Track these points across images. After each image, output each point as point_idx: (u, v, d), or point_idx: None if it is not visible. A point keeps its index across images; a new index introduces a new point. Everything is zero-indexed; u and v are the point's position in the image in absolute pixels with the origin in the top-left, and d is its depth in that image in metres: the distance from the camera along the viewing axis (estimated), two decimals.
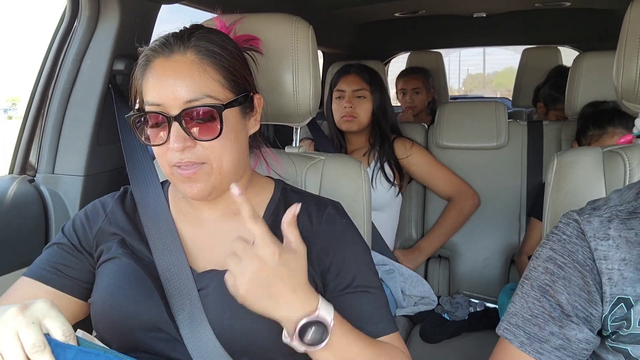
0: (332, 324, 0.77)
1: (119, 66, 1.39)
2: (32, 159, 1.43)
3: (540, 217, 1.96)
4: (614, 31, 1.13)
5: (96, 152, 1.41)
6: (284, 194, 1.01)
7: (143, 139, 0.90)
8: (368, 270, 0.94)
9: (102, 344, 0.85)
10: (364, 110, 1.97)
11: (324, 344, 0.76)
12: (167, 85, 0.85)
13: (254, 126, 0.97)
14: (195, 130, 0.85)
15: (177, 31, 0.91)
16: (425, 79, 3.07)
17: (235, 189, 0.76)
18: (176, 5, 1.63)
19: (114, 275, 0.91)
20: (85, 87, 1.39)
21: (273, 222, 0.95)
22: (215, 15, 1.12)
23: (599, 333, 0.81)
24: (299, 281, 0.76)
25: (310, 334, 0.76)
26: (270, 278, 0.74)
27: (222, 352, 0.84)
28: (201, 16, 1.92)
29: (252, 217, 0.75)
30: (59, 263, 0.95)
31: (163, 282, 0.90)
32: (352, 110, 1.96)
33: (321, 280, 0.91)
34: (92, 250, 0.97)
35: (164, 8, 1.53)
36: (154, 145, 0.89)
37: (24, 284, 0.94)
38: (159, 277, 0.90)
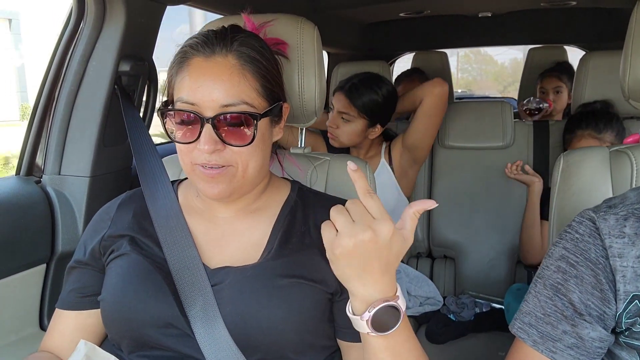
0: (403, 314, 0.76)
1: (125, 67, 1.39)
2: (39, 160, 1.43)
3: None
4: (620, 30, 1.13)
5: (102, 153, 1.42)
6: (300, 195, 1.01)
7: (168, 132, 0.89)
8: None
9: (104, 352, 0.86)
10: (345, 134, 1.93)
11: (392, 330, 0.75)
12: (205, 87, 0.84)
13: (278, 134, 0.97)
14: (226, 134, 0.85)
15: (218, 30, 0.90)
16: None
17: (352, 165, 0.74)
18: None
19: (123, 271, 0.92)
20: (91, 89, 1.39)
21: (290, 222, 0.95)
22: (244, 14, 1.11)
23: (613, 330, 0.81)
24: (393, 266, 0.75)
25: (383, 317, 0.75)
26: (373, 253, 0.72)
27: (235, 348, 0.84)
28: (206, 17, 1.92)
29: (368, 193, 0.74)
30: (78, 285, 0.98)
31: (175, 278, 0.89)
32: (333, 130, 1.94)
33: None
34: (100, 257, 0.97)
35: (169, 9, 1.53)
36: (181, 143, 0.88)
37: (58, 317, 0.99)
38: (169, 273, 0.90)
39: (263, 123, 0.89)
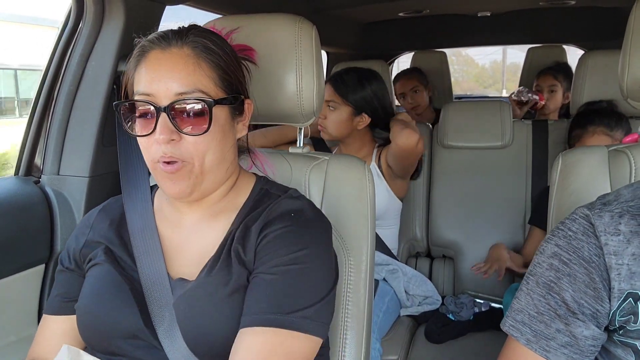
0: None
1: (124, 67, 1.39)
2: (38, 160, 1.43)
3: (540, 225, 1.96)
4: (619, 30, 1.13)
5: (101, 153, 1.42)
6: (260, 193, 0.98)
7: (130, 129, 0.89)
8: (297, 255, 0.85)
9: (88, 355, 0.86)
10: (331, 123, 1.94)
11: None
12: (161, 77, 0.85)
13: (241, 130, 0.97)
14: (182, 124, 0.85)
15: (176, 28, 0.92)
16: (421, 76, 3.09)
17: None
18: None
19: (95, 281, 0.92)
20: (90, 88, 1.39)
21: (247, 221, 0.92)
22: (211, 21, 1.12)
23: (606, 328, 0.81)
24: None
25: None
26: None
27: None
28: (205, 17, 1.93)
29: None
30: (63, 290, 0.98)
31: (144, 290, 0.90)
32: (322, 120, 1.94)
33: (253, 256, 0.87)
34: (82, 264, 0.98)
35: (168, 9, 1.53)
36: (139, 136, 0.88)
37: (45, 322, 0.99)
38: (139, 284, 0.90)
39: (221, 113, 0.89)
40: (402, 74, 3.14)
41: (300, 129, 1.32)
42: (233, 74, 0.92)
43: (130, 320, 0.87)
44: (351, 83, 1.94)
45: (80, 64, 1.39)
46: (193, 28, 0.92)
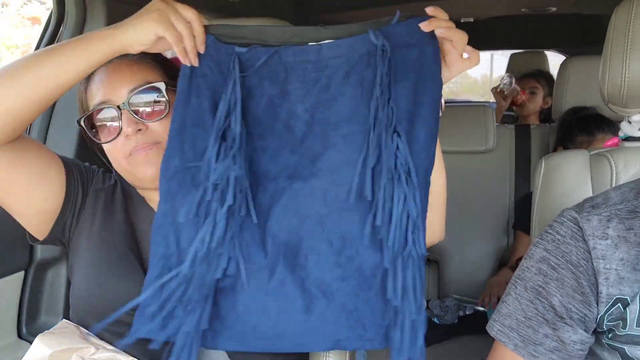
0: None
1: None
2: None
3: (525, 230, 1.97)
4: (600, 36, 1.14)
5: (82, 158, 1.40)
6: None
7: (96, 140, 0.95)
8: None
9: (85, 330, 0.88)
10: None
11: None
12: (110, 82, 0.92)
13: None
14: (144, 114, 0.92)
15: None
16: None
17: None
18: None
19: (97, 250, 0.95)
20: (72, 93, 1.37)
21: None
22: None
23: (594, 331, 0.81)
24: None
25: None
26: None
27: None
28: None
29: None
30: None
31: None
32: None
33: None
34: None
35: None
36: (107, 143, 0.93)
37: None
38: (139, 253, 0.94)
39: (172, 98, 0.92)
40: None
41: None
42: (174, 68, 0.97)
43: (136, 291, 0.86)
44: None
45: None
46: None
